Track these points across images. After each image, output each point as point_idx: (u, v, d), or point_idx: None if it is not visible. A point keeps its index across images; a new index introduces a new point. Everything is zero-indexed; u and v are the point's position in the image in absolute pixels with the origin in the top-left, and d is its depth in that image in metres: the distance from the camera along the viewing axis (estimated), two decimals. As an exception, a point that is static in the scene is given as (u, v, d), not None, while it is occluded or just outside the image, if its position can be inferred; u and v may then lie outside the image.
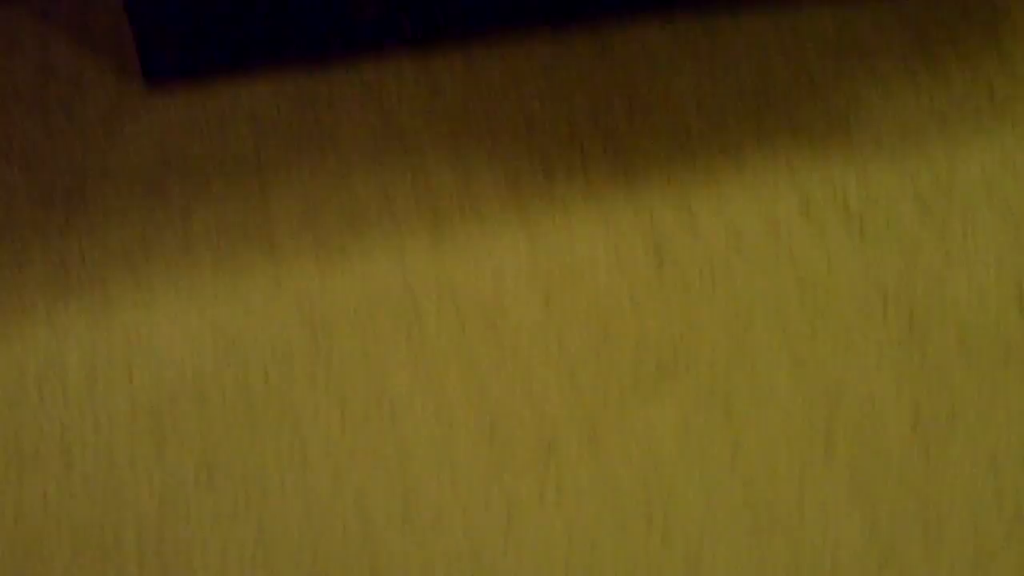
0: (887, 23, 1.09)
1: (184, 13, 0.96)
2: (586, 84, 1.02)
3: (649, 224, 0.92)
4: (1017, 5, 1.10)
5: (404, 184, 0.94)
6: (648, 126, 0.99)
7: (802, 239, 0.92)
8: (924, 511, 0.82)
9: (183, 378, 0.85)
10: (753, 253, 0.91)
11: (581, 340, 0.86)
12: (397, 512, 0.81)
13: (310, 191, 0.94)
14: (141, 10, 0.96)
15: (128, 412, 0.84)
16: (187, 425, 0.84)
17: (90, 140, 0.98)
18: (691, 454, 0.82)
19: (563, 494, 0.81)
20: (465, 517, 0.81)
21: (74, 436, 0.84)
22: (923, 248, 0.92)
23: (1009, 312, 0.88)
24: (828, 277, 0.90)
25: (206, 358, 0.86)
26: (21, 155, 0.97)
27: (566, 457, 0.81)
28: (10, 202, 0.93)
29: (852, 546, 0.81)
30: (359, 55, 1.02)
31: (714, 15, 1.08)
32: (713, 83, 1.03)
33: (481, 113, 1.00)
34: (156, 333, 0.87)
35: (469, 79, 1.02)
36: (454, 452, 0.82)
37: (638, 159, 0.97)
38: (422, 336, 0.86)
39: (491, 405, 0.83)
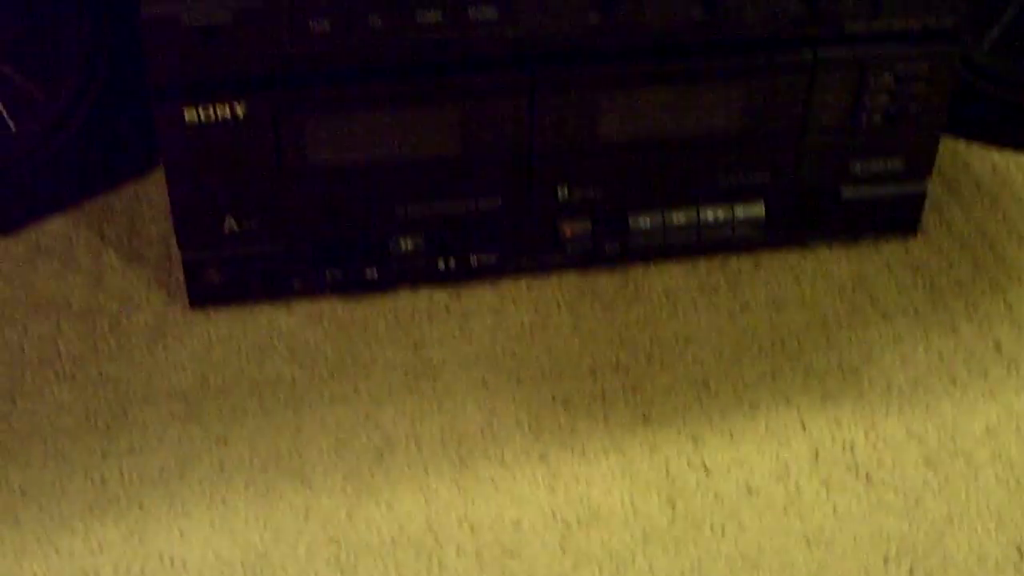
0: (899, 269, 1.14)
1: (231, 245, 1.02)
2: (609, 323, 1.07)
3: (664, 469, 0.96)
4: (1025, 259, 1.15)
5: (431, 419, 0.99)
6: (666, 367, 1.04)
7: (810, 489, 0.96)
8: None
9: (211, 600, 0.89)
10: (762, 502, 0.94)
11: (594, 584, 0.89)
12: None
13: (341, 421, 0.98)
14: (191, 239, 1.02)
15: (156, 631, 0.88)
16: (212, 647, 0.87)
17: (135, 358, 1.03)
18: None
19: None
20: None
21: (103, 651, 0.87)
22: (925, 503, 0.95)
23: (1006, 573, 0.91)
24: (833, 528, 0.93)
25: (234, 582, 0.89)
26: (69, 370, 1.02)
27: None
28: (57, 420, 0.98)
29: None
30: (395, 286, 1.08)
31: (735, 258, 1.13)
32: (731, 326, 1.08)
33: (508, 350, 1.04)
34: (189, 554, 0.90)
35: (498, 314, 1.07)
36: None
37: (656, 401, 1.01)
38: (440, 572, 0.90)
39: (504, 646, 0.87)
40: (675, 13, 0.98)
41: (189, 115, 0.95)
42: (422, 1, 0.93)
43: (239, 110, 0.95)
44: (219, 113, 0.95)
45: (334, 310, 1.07)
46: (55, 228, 1.14)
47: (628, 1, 0.95)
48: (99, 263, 1.11)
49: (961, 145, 1.28)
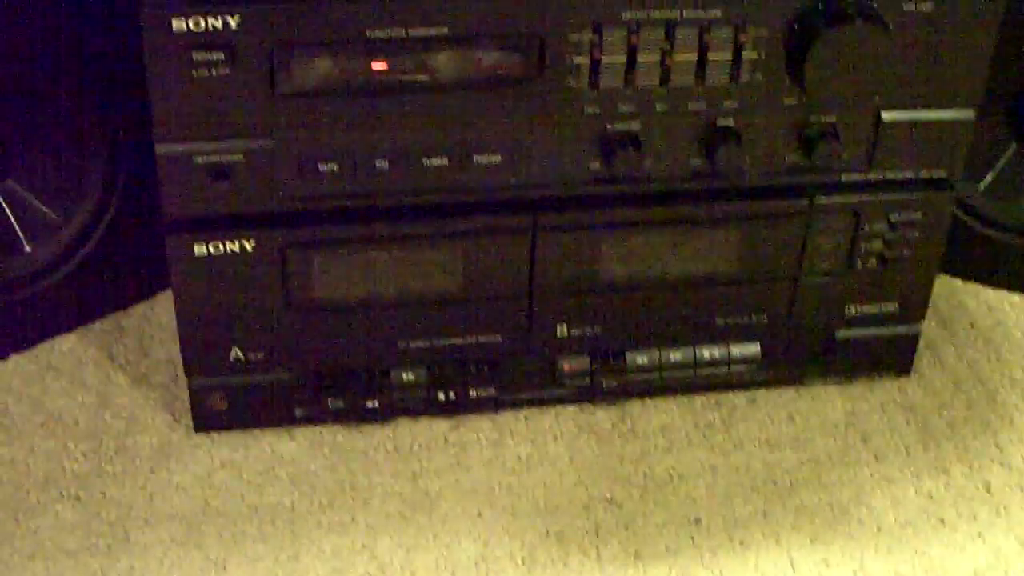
0: (892, 408, 1.16)
1: (237, 373, 1.04)
2: (605, 458, 1.09)
3: (653, 609, 0.98)
4: (1018, 402, 1.17)
5: (426, 551, 1.00)
6: (659, 504, 1.05)
7: (797, 631, 0.97)
8: None
9: None
10: (749, 643, 0.96)
11: None
12: None
13: (338, 550, 1.00)
14: (197, 367, 1.04)
15: None
16: None
17: (138, 480, 1.05)
18: None
19: None
20: None
21: None
22: (911, 647, 0.97)
23: None
24: (819, 671, 0.95)
25: None
26: (74, 490, 1.04)
27: None
28: (59, 539, 1.00)
29: None
30: (395, 417, 1.10)
31: (730, 395, 1.15)
32: (724, 463, 1.09)
33: (504, 482, 1.06)
34: None
35: (496, 447, 1.09)
36: None
37: (648, 538, 1.03)
38: None
39: None
40: (676, 162, 1.01)
41: (199, 249, 0.98)
42: (429, 148, 0.96)
43: (248, 245, 0.98)
44: (228, 248, 0.98)
45: (335, 438, 1.09)
46: (65, 347, 1.17)
47: (630, 151, 0.98)
48: (107, 383, 1.13)
49: (957, 284, 1.30)
